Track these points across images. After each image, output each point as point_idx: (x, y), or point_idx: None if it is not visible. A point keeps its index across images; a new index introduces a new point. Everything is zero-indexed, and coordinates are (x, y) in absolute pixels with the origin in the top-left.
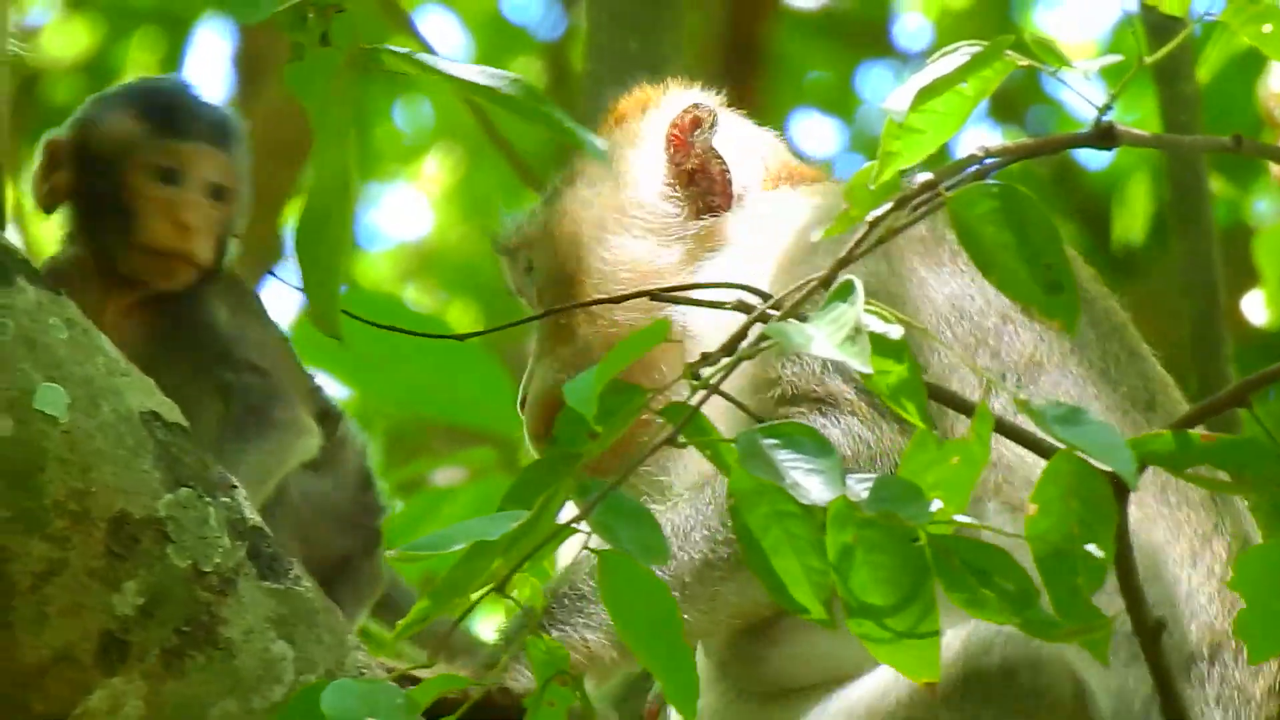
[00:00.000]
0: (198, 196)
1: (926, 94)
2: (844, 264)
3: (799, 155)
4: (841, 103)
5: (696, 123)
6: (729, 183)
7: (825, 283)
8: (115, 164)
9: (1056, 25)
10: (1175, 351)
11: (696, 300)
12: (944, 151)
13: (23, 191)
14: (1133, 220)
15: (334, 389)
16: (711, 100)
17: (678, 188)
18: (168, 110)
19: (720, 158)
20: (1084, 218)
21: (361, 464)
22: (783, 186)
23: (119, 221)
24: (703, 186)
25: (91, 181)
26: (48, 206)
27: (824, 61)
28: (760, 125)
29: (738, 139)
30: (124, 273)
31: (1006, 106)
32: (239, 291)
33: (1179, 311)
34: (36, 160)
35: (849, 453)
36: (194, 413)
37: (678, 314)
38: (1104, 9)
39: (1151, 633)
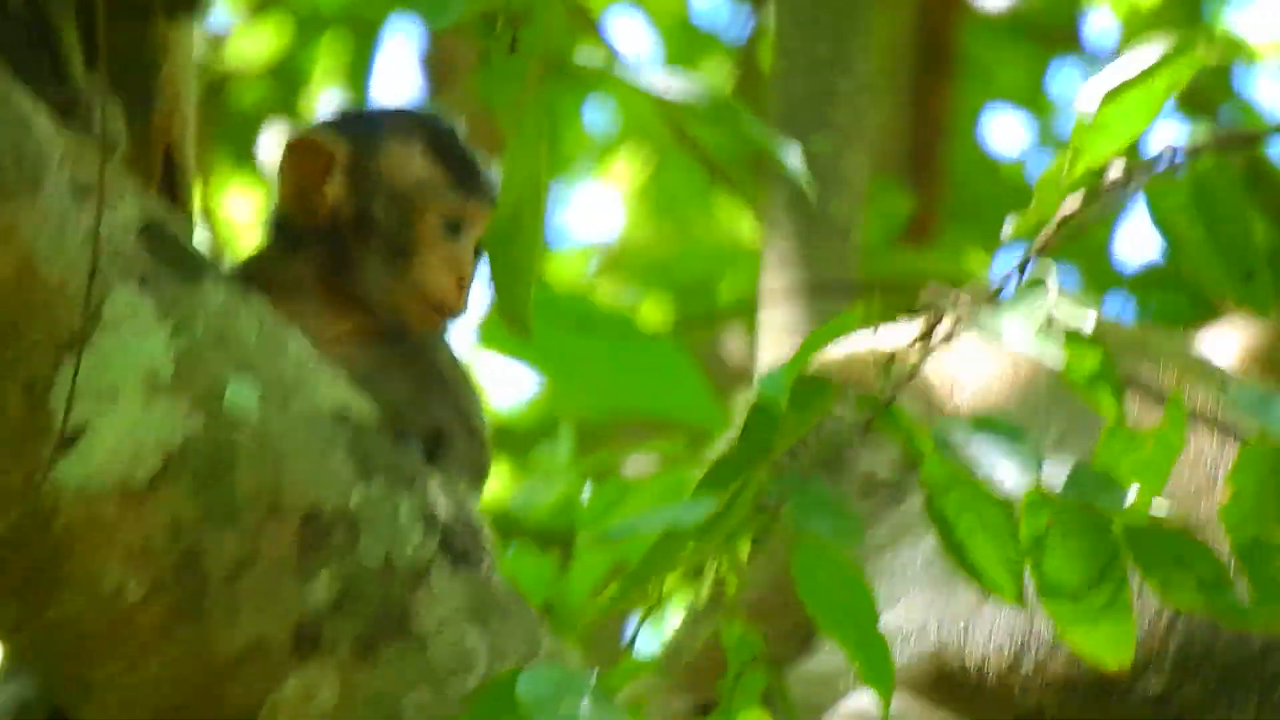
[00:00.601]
0: (470, 253)
1: (1116, 94)
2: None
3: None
4: (1032, 103)
5: None
6: None
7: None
8: (405, 202)
9: (1248, 22)
10: None
11: None
12: (1134, 147)
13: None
14: None
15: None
16: None
17: None
18: (464, 161)
19: None
20: (1277, 220)
21: None
22: None
23: (391, 258)
24: None
25: (368, 207)
26: (313, 214)
27: (1013, 62)
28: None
29: None
30: (375, 304)
31: (1197, 102)
32: (449, 336)
33: None
34: (295, 152)
35: None
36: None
37: None
38: None
39: None
